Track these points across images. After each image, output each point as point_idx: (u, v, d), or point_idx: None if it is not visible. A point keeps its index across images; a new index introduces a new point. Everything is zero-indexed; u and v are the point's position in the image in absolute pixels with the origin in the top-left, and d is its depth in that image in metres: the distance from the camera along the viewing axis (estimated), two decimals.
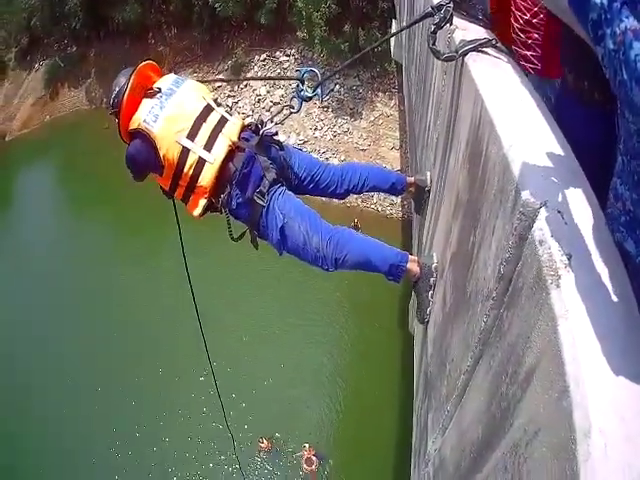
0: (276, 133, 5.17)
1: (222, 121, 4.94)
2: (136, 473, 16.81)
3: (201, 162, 4.67)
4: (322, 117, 30.40)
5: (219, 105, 5.09)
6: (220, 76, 34.73)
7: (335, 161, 27.53)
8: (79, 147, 32.65)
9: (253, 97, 33.20)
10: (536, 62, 5.06)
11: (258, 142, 4.92)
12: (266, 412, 17.63)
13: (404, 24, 17.36)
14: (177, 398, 18.16)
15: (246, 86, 34.00)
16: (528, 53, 5.05)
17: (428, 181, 6.06)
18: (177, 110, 4.71)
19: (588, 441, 2.27)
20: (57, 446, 16.78)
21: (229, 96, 34.13)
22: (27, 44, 47.21)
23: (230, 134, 4.86)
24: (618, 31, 2.12)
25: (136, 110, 4.78)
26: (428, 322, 8.01)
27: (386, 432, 13.68)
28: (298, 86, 5.02)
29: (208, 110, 4.92)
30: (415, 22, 6.16)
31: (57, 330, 21.32)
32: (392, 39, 27.57)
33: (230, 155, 4.84)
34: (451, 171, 7.25)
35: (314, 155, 24.92)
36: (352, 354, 18.24)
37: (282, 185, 5.07)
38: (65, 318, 21.81)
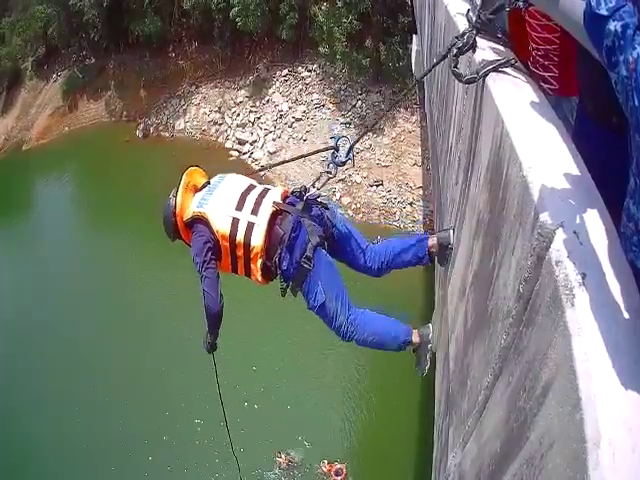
0: (319, 196, 5.67)
1: (265, 191, 5.45)
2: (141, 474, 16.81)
3: (250, 226, 5.14)
4: (344, 133, 30.60)
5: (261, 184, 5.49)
6: (242, 91, 34.95)
7: (358, 178, 27.62)
8: (98, 158, 32.89)
9: (275, 113, 33.44)
10: (554, 82, 5.19)
11: (303, 207, 5.33)
12: (281, 426, 17.53)
13: (425, 38, 17.49)
14: (190, 408, 18.16)
15: (268, 102, 34.29)
16: (546, 74, 5.19)
17: (451, 239, 6.26)
18: (224, 191, 5.35)
19: (598, 451, 2.38)
20: (74, 445, 16.82)
21: (251, 112, 34.42)
22: (44, 54, 47.50)
23: (274, 198, 5.33)
24: (631, 59, 2.23)
25: (186, 203, 5.36)
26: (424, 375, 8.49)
27: (406, 446, 13.66)
28: (333, 153, 5.68)
29: (251, 186, 5.52)
30: (439, 61, 6.37)
31: (72, 330, 21.44)
32: (413, 54, 27.73)
33: (275, 217, 5.26)
34: (472, 192, 7.34)
35: None
36: (370, 368, 18.21)
37: (324, 248, 5.51)
38: (80, 319, 21.98)
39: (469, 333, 7.99)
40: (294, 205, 5.46)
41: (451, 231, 6.47)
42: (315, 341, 19.52)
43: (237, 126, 33.72)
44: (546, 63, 5.16)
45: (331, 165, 5.71)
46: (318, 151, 7.29)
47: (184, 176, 5.58)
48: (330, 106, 32.28)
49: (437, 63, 6.85)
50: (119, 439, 15.76)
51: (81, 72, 44.66)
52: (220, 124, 34.27)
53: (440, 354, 11.22)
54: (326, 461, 16.67)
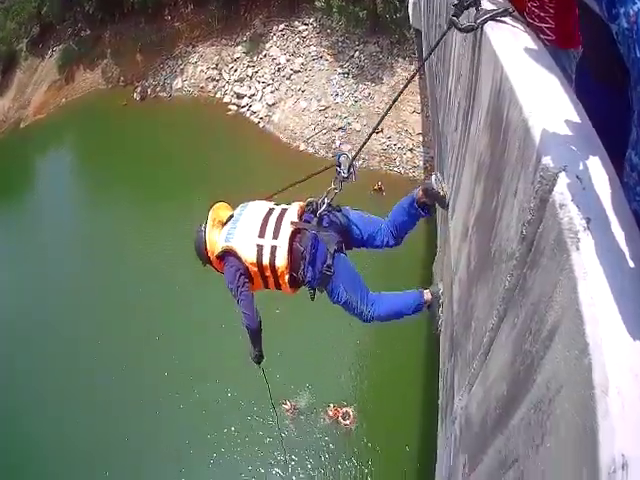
0: (330, 204, 6.00)
1: (283, 212, 5.82)
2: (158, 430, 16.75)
3: (273, 250, 5.50)
4: (343, 83, 30.20)
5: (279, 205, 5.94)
6: (239, 47, 34.38)
7: (357, 126, 27.31)
8: (96, 125, 32.27)
9: (273, 66, 32.98)
10: (550, 34, 5.05)
11: (317, 222, 5.73)
12: (286, 374, 17.39)
13: None
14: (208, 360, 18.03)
15: (265, 56, 33.78)
16: (542, 25, 5.05)
17: (434, 184, 6.49)
18: (247, 222, 5.69)
19: (606, 399, 2.31)
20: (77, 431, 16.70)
21: (248, 66, 33.94)
22: (38, 33, 46.72)
23: (291, 218, 5.70)
24: (632, 12, 2.14)
25: (214, 239, 5.79)
26: (440, 331, 8.65)
27: (412, 390, 13.66)
28: (337, 170, 5.95)
29: (270, 210, 5.88)
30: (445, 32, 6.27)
31: (70, 311, 21.11)
32: (410, 6, 27.25)
33: (295, 236, 5.61)
34: (473, 135, 7.21)
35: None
36: (376, 341, 18.16)
37: (342, 250, 5.98)
38: (81, 296, 21.62)
39: (472, 275, 7.92)
40: (309, 221, 5.85)
41: (433, 176, 6.71)
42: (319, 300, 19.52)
43: (235, 81, 33.32)
44: (542, 14, 5.01)
45: (337, 180, 6.02)
46: (319, 172, 7.21)
47: (210, 213, 5.96)
48: (328, 57, 31.83)
49: (444, 35, 6.82)
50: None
51: (77, 45, 43.87)
52: (218, 80, 33.86)
53: (443, 297, 11.22)
54: (332, 405, 16.66)
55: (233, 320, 16.99)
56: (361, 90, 29.67)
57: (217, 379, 15.50)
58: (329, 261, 5.58)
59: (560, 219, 3.16)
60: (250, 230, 5.59)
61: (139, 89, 35.53)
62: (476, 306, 7.43)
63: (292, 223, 5.67)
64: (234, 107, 31.22)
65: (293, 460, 15.11)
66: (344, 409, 15.79)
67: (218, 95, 32.25)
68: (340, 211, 6.16)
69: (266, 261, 5.50)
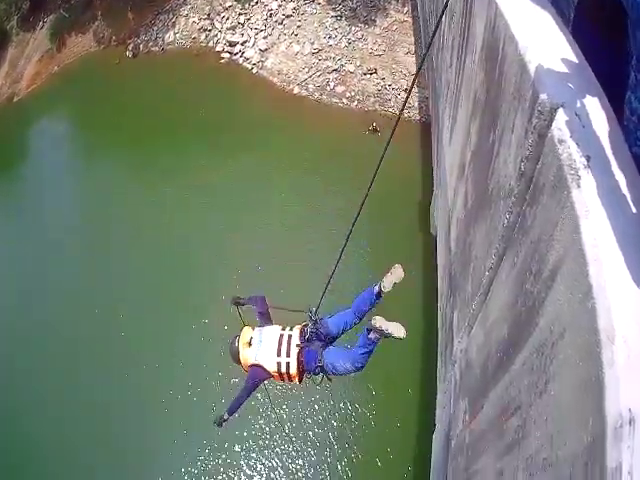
0: (312, 330, 7.14)
1: (290, 337, 7.13)
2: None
3: (287, 364, 7.08)
4: (336, 26, 29.45)
5: (284, 328, 7.32)
6: None
7: (351, 67, 26.80)
8: (89, 88, 31.35)
9: (265, 12, 32.11)
10: None
11: (308, 339, 7.12)
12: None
13: None
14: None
15: (257, 3, 32.90)
16: None
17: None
18: (267, 345, 7.21)
19: (612, 347, 2.18)
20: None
21: (240, 14, 33.12)
22: (28, 8, 45.39)
23: (295, 342, 7.06)
24: None
25: (246, 355, 7.15)
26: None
27: (411, 334, 13.67)
28: (309, 316, 7.25)
29: (282, 335, 7.20)
30: None
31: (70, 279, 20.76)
32: None
33: (300, 352, 7.02)
34: (468, 71, 7.01)
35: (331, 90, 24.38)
36: (373, 258, 17.93)
37: (327, 345, 7.26)
38: (81, 263, 21.21)
39: (470, 213, 7.76)
40: (309, 340, 7.18)
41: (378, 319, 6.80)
42: (311, 214, 19.18)
43: (227, 29, 32.51)
44: None
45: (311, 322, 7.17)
46: (294, 310, 7.84)
47: (240, 337, 7.27)
48: (320, 1, 31.04)
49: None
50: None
51: (67, 12, 42.74)
52: (210, 30, 33.04)
53: (441, 234, 11.06)
54: None
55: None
56: (354, 32, 28.92)
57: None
58: (319, 360, 7.03)
59: (559, 155, 3.04)
60: (270, 352, 7.13)
61: (131, 46, 34.53)
62: (474, 245, 7.29)
63: (297, 345, 7.04)
64: (227, 55, 30.49)
65: (290, 411, 15.05)
66: None
67: (210, 44, 31.48)
68: (321, 325, 7.21)
69: (283, 370, 7.11)
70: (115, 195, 23.21)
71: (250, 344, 7.17)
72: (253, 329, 7.29)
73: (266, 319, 7.58)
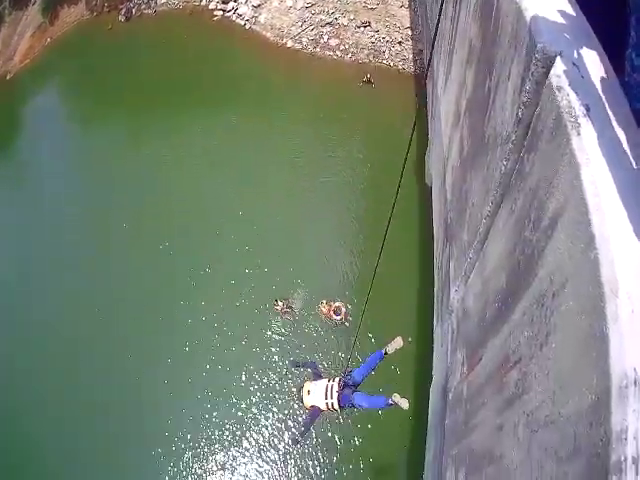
0: (343, 386, 9.68)
1: (331, 386, 9.70)
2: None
3: (332, 404, 9.57)
4: None
5: (330, 380, 9.78)
6: None
7: (344, 21, 26.24)
8: (84, 56, 30.30)
9: None
10: None
11: (343, 387, 9.63)
12: (278, 275, 16.99)
13: None
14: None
15: None
16: None
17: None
18: (319, 394, 9.75)
19: (616, 302, 2.07)
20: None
21: None
22: None
23: (335, 389, 9.63)
24: None
25: (307, 401, 9.83)
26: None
27: (406, 284, 13.28)
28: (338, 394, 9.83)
29: (327, 386, 9.71)
30: None
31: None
32: None
33: (339, 396, 9.49)
34: (463, 20, 6.82)
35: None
36: (368, 211, 17.75)
37: (355, 389, 9.78)
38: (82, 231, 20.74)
39: (465, 161, 7.61)
40: (343, 387, 9.65)
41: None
42: (309, 184, 19.01)
43: None
44: None
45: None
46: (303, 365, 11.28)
47: (303, 388, 9.87)
48: None
49: None
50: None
51: None
52: None
53: (436, 183, 10.93)
54: (324, 301, 16.39)
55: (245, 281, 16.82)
56: None
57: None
58: (351, 400, 9.57)
59: (558, 102, 2.92)
60: (321, 398, 9.69)
61: (123, 11, 33.68)
62: (471, 192, 7.15)
63: (337, 392, 9.60)
64: (220, 13, 29.83)
65: (289, 355, 15.01)
66: (336, 304, 15.57)
67: (203, 3, 30.74)
68: (350, 378, 9.74)
69: (330, 407, 9.66)
70: (114, 160, 22.85)
71: (309, 393, 9.83)
72: (310, 382, 9.98)
73: (318, 375, 10.17)
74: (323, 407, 9.67)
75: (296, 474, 13.76)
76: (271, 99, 22.43)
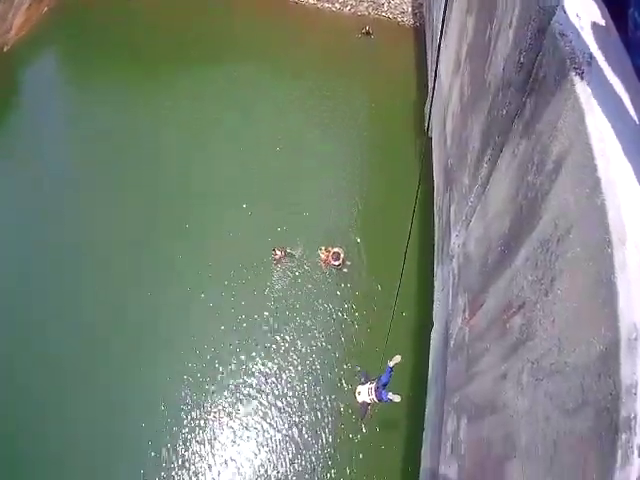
0: (378, 383, 10.83)
1: (370, 388, 10.86)
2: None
3: (372, 399, 10.80)
4: None
5: (370, 383, 10.96)
6: None
7: None
8: (80, 20, 29.31)
9: None
10: None
11: (377, 388, 10.81)
12: (276, 224, 16.75)
13: None
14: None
15: None
16: None
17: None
18: (364, 394, 10.92)
19: (624, 250, 2.05)
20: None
21: None
22: None
23: (373, 389, 10.80)
24: None
25: (358, 399, 11.39)
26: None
27: (405, 232, 13.18)
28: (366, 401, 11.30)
29: (369, 388, 10.94)
30: None
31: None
32: None
33: (376, 393, 10.75)
34: None
35: None
36: (371, 160, 17.47)
37: (383, 388, 10.73)
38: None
39: (466, 106, 7.51)
40: (377, 388, 10.84)
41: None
42: (309, 137, 18.70)
43: None
44: None
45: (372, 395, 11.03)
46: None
47: (355, 392, 11.29)
48: None
49: None
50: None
51: None
52: None
53: (436, 130, 10.78)
54: (323, 248, 16.25)
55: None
56: None
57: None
58: (382, 396, 10.60)
59: (561, 48, 2.86)
60: (366, 397, 10.84)
61: None
62: (471, 137, 7.07)
63: (374, 390, 10.69)
64: None
65: (286, 301, 14.92)
66: (335, 249, 15.47)
67: None
68: (380, 381, 10.78)
69: (372, 401, 10.75)
70: (115, 120, 22.39)
71: (360, 393, 11.22)
72: (360, 386, 11.32)
73: (366, 379, 11.34)
74: (369, 401, 11.39)
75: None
76: (271, 51, 21.98)
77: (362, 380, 12.17)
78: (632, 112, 2.43)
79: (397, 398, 11.07)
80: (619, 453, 2.07)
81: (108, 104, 22.73)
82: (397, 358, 11.27)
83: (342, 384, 13.34)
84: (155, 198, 18.29)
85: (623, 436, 2.01)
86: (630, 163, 2.25)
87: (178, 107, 20.60)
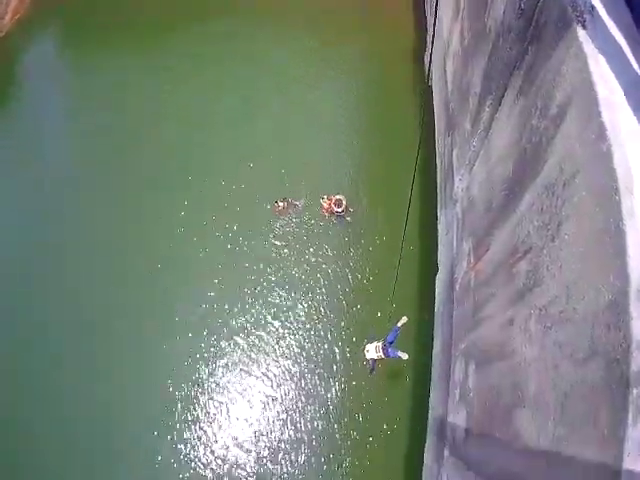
0: (386, 342, 11.50)
1: (378, 346, 11.39)
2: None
3: (380, 356, 11.33)
4: None
5: (378, 342, 11.55)
6: None
7: None
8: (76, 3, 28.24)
9: None
10: None
11: (384, 346, 11.36)
12: (279, 178, 16.46)
13: None
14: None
15: None
16: None
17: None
18: (372, 351, 11.72)
19: (631, 198, 2.10)
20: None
21: None
22: None
23: (381, 346, 11.34)
24: None
25: (367, 356, 12.05)
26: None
27: (404, 177, 12.81)
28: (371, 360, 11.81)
29: (376, 346, 11.56)
30: None
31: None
32: None
33: (384, 350, 11.33)
34: None
35: None
36: (370, 112, 17.19)
37: (389, 345, 11.36)
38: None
39: (467, 50, 7.37)
40: (384, 346, 11.39)
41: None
42: (310, 93, 18.31)
43: None
44: None
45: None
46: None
47: (364, 348, 11.79)
48: None
49: None
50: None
51: None
52: None
53: (436, 75, 10.62)
54: (325, 196, 16.07)
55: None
56: None
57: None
58: (389, 352, 11.16)
59: None
60: (374, 353, 11.29)
61: None
62: (472, 82, 6.98)
63: (382, 348, 11.16)
64: None
65: (287, 249, 14.81)
66: (337, 197, 15.30)
67: None
68: (386, 340, 11.38)
69: (379, 357, 11.27)
70: (117, 98, 21.80)
71: (368, 351, 11.57)
72: (367, 344, 11.73)
73: (372, 339, 11.71)
74: (376, 358, 11.91)
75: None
76: (271, 12, 21.48)
77: (370, 338, 12.61)
78: (633, 61, 2.46)
79: (405, 355, 11.58)
80: (631, 409, 2.10)
81: (110, 77, 22.28)
82: (404, 319, 11.87)
83: (351, 332, 13.28)
84: (155, 180, 18.11)
85: (634, 391, 2.05)
86: (634, 112, 2.28)
87: (178, 67, 20.27)
